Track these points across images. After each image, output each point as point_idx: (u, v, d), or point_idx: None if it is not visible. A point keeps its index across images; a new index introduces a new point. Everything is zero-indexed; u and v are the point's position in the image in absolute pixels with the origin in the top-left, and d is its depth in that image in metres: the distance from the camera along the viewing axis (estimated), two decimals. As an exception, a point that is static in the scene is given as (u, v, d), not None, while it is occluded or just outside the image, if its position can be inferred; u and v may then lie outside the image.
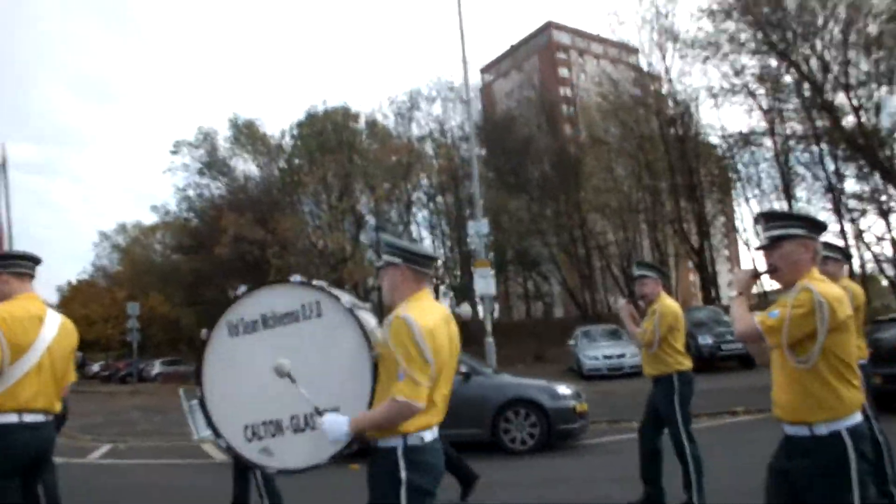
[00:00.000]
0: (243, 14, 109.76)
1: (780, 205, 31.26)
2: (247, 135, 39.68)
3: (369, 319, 2.72)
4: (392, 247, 2.71)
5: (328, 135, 36.92)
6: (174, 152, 40.04)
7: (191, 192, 42.09)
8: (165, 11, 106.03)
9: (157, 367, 38.21)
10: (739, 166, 31.30)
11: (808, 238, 2.63)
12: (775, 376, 2.67)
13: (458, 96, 35.82)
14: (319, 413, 2.44)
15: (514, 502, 5.60)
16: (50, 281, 57.66)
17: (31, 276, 3.44)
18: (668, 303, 5.06)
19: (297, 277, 2.78)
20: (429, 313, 2.52)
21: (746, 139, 29.53)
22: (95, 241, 58.94)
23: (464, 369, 8.49)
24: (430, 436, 2.52)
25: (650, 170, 33.57)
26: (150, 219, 55.36)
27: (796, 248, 2.62)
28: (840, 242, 29.25)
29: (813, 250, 2.63)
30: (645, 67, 34.68)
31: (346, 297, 2.72)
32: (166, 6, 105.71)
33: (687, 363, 5.02)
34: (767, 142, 29.92)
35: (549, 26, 67.26)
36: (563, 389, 8.64)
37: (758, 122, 29.41)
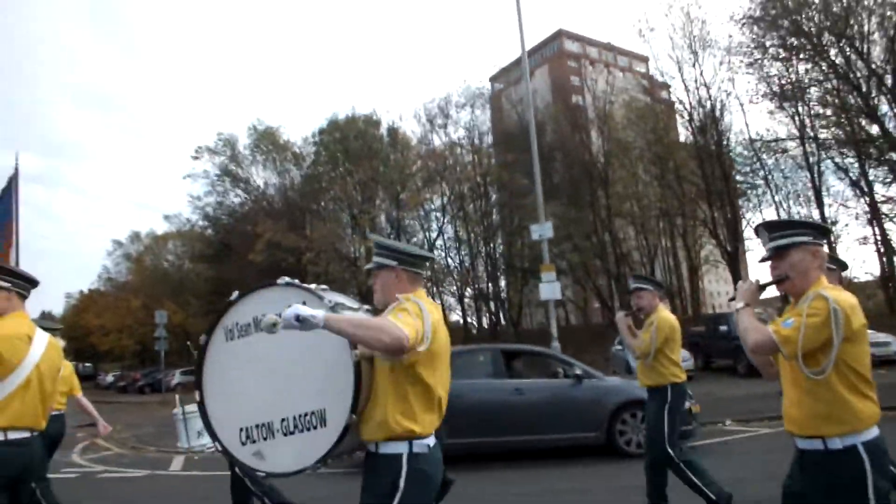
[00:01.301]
0: (250, 21, 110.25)
1: (807, 210, 31.28)
2: (268, 142, 39.66)
3: (351, 304, 2.71)
4: (385, 248, 2.65)
5: (350, 142, 36.89)
6: (195, 158, 39.96)
7: (210, 200, 41.95)
8: (169, 22, 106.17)
9: (176, 377, 37.75)
10: (768, 172, 31.11)
11: (816, 245, 2.56)
12: (786, 390, 2.57)
13: (487, 103, 35.89)
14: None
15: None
16: (49, 291, 57.44)
17: (24, 297, 3.54)
18: (665, 315, 5.14)
19: (284, 279, 2.75)
20: (433, 306, 2.51)
21: (776, 145, 29.53)
22: (109, 249, 58.65)
23: (577, 371, 8.29)
24: (433, 441, 2.45)
25: (678, 175, 33.50)
26: (160, 228, 55.33)
27: (805, 255, 2.54)
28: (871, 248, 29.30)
29: (821, 257, 2.57)
30: (660, 76, 34.77)
31: (333, 296, 2.67)
32: (168, 16, 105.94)
33: (682, 375, 5.08)
34: (794, 148, 29.93)
35: (559, 35, 67.39)
36: (678, 391, 8.41)
37: (788, 128, 29.42)
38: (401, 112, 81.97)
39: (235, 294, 2.87)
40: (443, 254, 38.61)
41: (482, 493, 6.60)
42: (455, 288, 37.68)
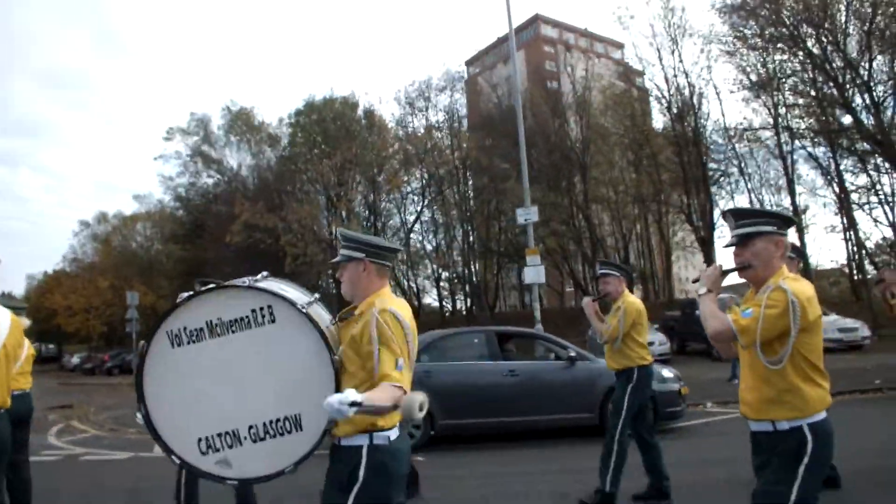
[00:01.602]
0: (225, 1, 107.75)
1: (779, 198, 31.93)
2: (242, 123, 38.97)
3: (323, 315, 2.60)
4: (352, 240, 2.60)
5: (327, 124, 36.42)
6: (167, 138, 39.25)
7: (182, 181, 41.17)
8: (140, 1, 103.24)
9: (147, 359, 37.04)
10: (742, 160, 31.62)
11: (779, 234, 2.60)
12: (743, 375, 2.65)
13: (465, 87, 35.65)
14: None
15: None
16: (11, 272, 56.07)
17: None
18: (631, 300, 5.26)
19: (244, 280, 2.59)
20: (405, 309, 2.48)
21: (751, 134, 30.01)
22: (75, 229, 57.21)
23: (571, 354, 8.32)
24: (395, 434, 2.42)
25: (655, 162, 33.83)
26: (128, 209, 54.10)
27: (768, 245, 2.59)
28: (840, 235, 30.03)
29: (783, 247, 2.61)
30: (638, 62, 34.97)
31: (296, 294, 2.59)
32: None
33: (648, 357, 5.20)
34: (768, 137, 30.44)
35: (536, 19, 67.25)
36: (667, 372, 8.56)
37: (763, 117, 29.87)
38: (380, 95, 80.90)
39: (183, 295, 2.68)
40: (420, 237, 38.61)
41: (475, 473, 6.64)
42: (431, 271, 37.65)
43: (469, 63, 71.12)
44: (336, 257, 2.65)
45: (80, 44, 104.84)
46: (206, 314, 2.55)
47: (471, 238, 36.15)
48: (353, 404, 2.03)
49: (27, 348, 4.34)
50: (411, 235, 38.69)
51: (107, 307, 46.82)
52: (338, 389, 2.34)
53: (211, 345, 2.55)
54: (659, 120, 34.56)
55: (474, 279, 37.72)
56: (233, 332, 2.54)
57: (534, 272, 16.27)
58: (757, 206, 28.66)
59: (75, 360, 46.42)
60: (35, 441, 10.19)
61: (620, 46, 53.80)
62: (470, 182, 35.46)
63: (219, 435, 2.54)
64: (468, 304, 40.06)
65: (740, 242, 2.64)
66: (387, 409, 2.18)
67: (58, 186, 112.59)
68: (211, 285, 2.69)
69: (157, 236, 54.84)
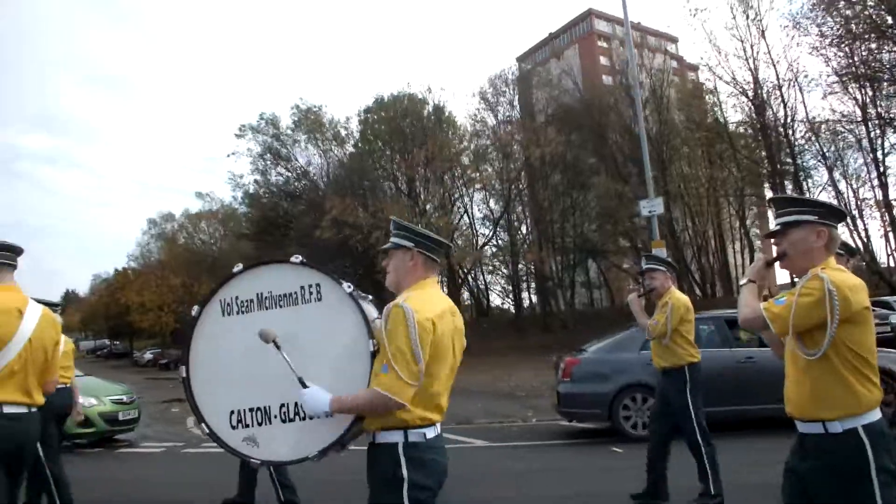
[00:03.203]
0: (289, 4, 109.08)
1: (867, 192, 31.28)
2: (311, 121, 39.49)
3: (371, 310, 2.55)
4: (403, 229, 2.56)
5: (398, 120, 36.75)
6: (239, 135, 39.89)
7: (253, 178, 41.95)
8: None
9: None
10: (830, 152, 31.05)
11: (822, 225, 2.47)
12: (787, 370, 2.51)
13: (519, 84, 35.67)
14: (304, 385, 2.32)
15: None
16: (69, 271, 57.63)
17: (12, 267, 3.37)
18: (679, 295, 5.18)
19: (297, 258, 2.61)
20: (430, 304, 2.38)
21: (838, 125, 29.46)
22: (144, 228, 58.73)
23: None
24: (432, 433, 2.38)
25: (735, 155, 33.42)
26: (176, 209, 55.03)
27: (808, 234, 2.47)
28: None
29: (827, 238, 2.47)
30: (717, 53, 34.39)
31: (347, 284, 2.57)
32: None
33: (697, 355, 5.10)
34: (855, 128, 29.85)
35: (590, 14, 66.88)
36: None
37: (850, 108, 29.29)
38: (453, 90, 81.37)
39: (239, 266, 2.68)
40: (490, 232, 38.77)
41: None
42: (505, 268, 37.77)
43: (520, 60, 71.07)
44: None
45: (127, 45, 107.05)
46: (259, 286, 2.59)
47: (550, 233, 36.10)
48: (326, 415, 2.29)
49: (63, 343, 4.35)
50: (484, 231, 38.97)
51: (178, 304, 47.97)
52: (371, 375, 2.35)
53: (258, 317, 2.56)
54: (736, 113, 33.90)
55: (555, 275, 37.74)
56: (280, 306, 2.57)
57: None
58: (794, 195, 28.17)
59: (148, 355, 47.59)
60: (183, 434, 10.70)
61: (675, 40, 53.28)
62: (548, 177, 35.36)
63: (251, 410, 2.53)
64: (537, 302, 40.11)
65: (780, 232, 2.55)
66: (360, 409, 2.31)
67: (101, 185, 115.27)
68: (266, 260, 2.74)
69: (220, 234, 56.05)
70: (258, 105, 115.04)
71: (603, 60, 65.44)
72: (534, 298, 43.50)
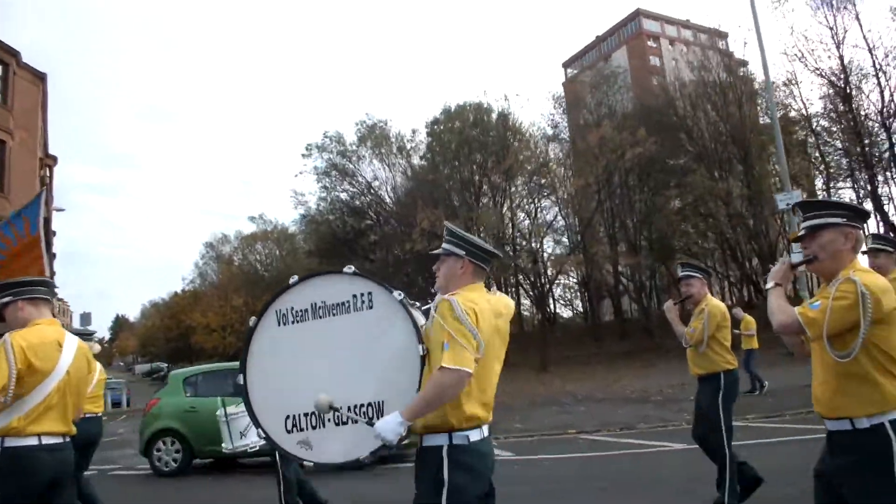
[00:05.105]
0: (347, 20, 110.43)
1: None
2: (378, 135, 39.15)
3: (419, 317, 2.63)
4: (456, 236, 2.67)
5: (466, 131, 36.16)
6: (306, 155, 39.77)
7: (319, 196, 41.72)
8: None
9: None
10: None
11: (850, 227, 2.52)
12: (815, 370, 2.56)
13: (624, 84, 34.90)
14: (371, 424, 2.38)
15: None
16: (120, 297, 58.65)
17: (48, 302, 3.51)
18: (715, 302, 5.19)
19: (349, 268, 2.69)
20: (476, 300, 2.49)
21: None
22: (202, 251, 59.20)
23: None
24: (476, 435, 2.46)
25: (819, 149, 32.14)
26: (223, 231, 55.09)
27: (836, 237, 2.51)
28: None
29: (854, 240, 2.52)
30: (804, 41, 33.18)
31: (398, 292, 2.63)
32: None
33: (734, 362, 5.08)
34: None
35: (637, 14, 65.89)
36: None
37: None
38: (527, 96, 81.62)
39: (295, 278, 2.78)
40: (565, 237, 37.89)
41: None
42: (579, 273, 36.70)
43: (566, 65, 70.30)
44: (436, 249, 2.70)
45: (177, 76, 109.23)
46: (313, 297, 2.70)
47: (636, 236, 34.99)
48: (401, 424, 2.31)
49: (98, 373, 4.45)
50: (554, 235, 38.10)
51: (241, 323, 47.94)
52: (422, 380, 2.42)
53: (312, 326, 2.68)
54: (816, 104, 32.48)
55: (639, 278, 36.66)
56: (334, 314, 2.67)
57: (797, 258, 15.95)
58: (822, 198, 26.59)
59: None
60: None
61: (724, 36, 52.01)
62: (628, 179, 34.27)
63: (305, 414, 2.62)
64: (616, 307, 39.03)
65: (808, 235, 2.58)
66: (432, 401, 2.31)
67: (150, 214, 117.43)
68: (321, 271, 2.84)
69: (276, 254, 56.18)
70: (306, 132, 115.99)
71: (653, 60, 64.42)
72: (604, 305, 42.54)
